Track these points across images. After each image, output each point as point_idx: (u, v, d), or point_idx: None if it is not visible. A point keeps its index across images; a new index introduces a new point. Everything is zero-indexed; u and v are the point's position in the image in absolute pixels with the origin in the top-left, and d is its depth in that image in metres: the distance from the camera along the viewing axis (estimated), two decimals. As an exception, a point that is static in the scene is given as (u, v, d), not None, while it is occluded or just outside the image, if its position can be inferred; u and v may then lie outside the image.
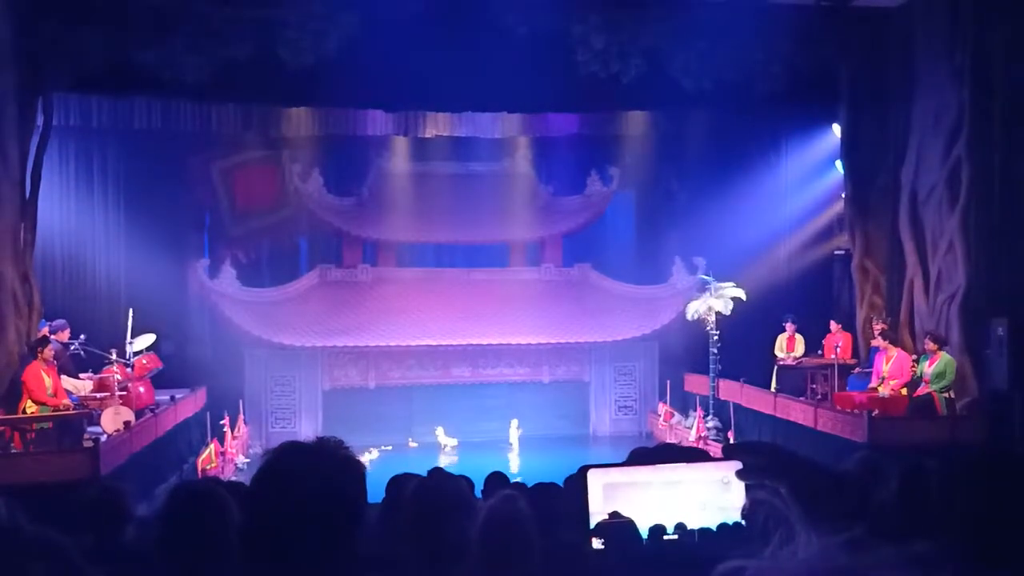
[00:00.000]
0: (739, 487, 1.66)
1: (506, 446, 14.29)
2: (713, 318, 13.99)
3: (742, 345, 13.92)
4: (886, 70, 12.81)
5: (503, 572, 2.60)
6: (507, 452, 14.14)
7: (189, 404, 12.88)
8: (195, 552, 2.66)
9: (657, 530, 2.08)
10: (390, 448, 13.86)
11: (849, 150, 13.38)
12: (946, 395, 10.98)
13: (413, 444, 14.45)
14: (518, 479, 6.04)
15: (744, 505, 1.56)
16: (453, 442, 14.23)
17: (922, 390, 11.10)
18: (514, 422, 14.65)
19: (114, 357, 11.22)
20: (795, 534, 0.94)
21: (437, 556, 2.62)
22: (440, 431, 14.33)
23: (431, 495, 2.80)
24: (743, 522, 1.67)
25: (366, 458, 13.06)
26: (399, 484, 4.11)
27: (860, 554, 0.87)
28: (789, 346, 13.75)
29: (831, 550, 0.89)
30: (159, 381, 12.29)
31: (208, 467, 11.52)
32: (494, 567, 2.59)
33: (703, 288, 14.38)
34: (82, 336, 11.58)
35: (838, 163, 14.12)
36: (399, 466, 4.99)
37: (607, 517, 2.04)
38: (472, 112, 14.35)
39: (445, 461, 13.34)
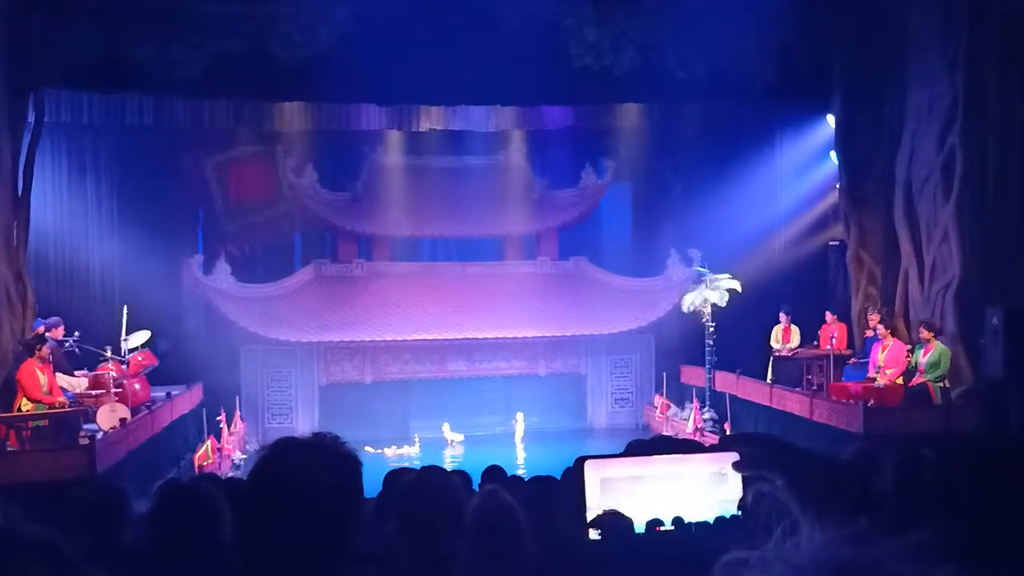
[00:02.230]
0: (736, 479, 1.66)
1: (507, 439, 14.29)
2: (709, 310, 14.01)
3: (738, 337, 13.94)
4: (880, 60, 12.79)
5: (495, 567, 2.60)
6: (512, 446, 14.17)
7: (185, 401, 12.87)
8: (185, 551, 2.65)
9: (654, 524, 2.08)
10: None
11: (844, 141, 13.37)
12: (941, 384, 11.00)
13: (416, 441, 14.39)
14: (521, 472, 6.04)
15: (742, 497, 1.56)
16: (459, 437, 14.20)
17: (917, 380, 11.12)
18: (519, 415, 14.69)
19: (109, 354, 11.19)
20: (798, 526, 0.93)
21: (430, 552, 2.61)
22: (446, 427, 14.30)
23: (424, 490, 2.79)
24: (740, 514, 1.67)
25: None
26: (395, 479, 4.11)
27: (864, 546, 0.87)
28: (785, 337, 13.75)
29: (835, 542, 0.88)
30: (155, 378, 12.26)
31: (205, 463, 11.51)
32: (485, 563, 2.59)
33: (699, 280, 14.39)
34: (77, 333, 11.56)
35: (832, 154, 14.12)
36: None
37: (602, 513, 2.03)
38: (466, 105, 14.32)
39: (450, 455, 13.37)
